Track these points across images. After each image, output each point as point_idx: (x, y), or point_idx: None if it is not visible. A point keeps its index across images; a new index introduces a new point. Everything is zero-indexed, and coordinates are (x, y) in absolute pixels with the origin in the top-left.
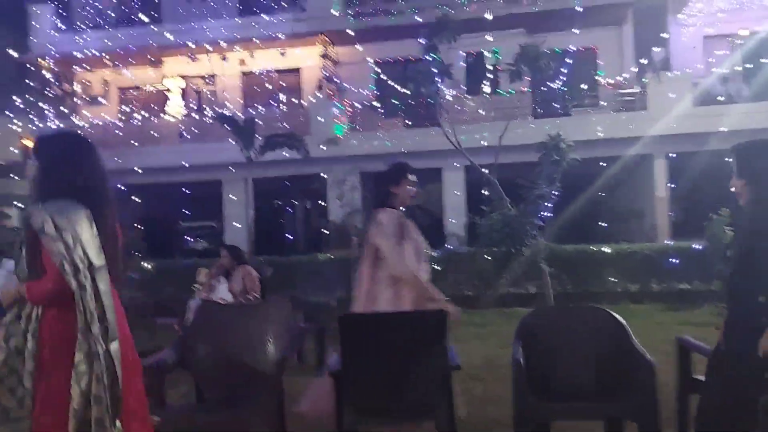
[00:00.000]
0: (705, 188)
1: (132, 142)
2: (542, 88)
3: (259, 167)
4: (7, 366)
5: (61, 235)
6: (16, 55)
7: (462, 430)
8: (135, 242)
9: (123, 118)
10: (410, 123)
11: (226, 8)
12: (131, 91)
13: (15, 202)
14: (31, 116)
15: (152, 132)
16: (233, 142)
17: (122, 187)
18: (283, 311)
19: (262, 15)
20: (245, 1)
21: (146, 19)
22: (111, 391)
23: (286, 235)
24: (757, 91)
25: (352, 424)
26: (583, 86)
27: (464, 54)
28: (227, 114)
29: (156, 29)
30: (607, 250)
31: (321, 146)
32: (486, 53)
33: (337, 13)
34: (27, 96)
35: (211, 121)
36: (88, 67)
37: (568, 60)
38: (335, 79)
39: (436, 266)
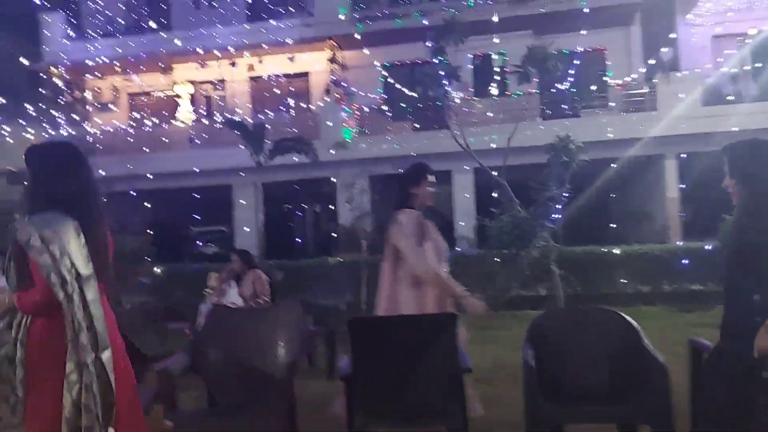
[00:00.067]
0: (716, 188)
1: (142, 148)
2: (551, 89)
3: (269, 172)
4: None
5: (48, 247)
6: (28, 63)
7: None
8: (146, 247)
9: (133, 124)
10: (418, 126)
11: (234, 14)
12: (141, 97)
13: None
14: (43, 124)
15: (162, 138)
16: (243, 147)
17: (133, 193)
18: (294, 315)
19: (270, 21)
20: (253, 7)
21: (156, 27)
22: (103, 399)
23: (296, 239)
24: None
25: (363, 426)
26: (592, 87)
27: (472, 56)
28: (236, 119)
29: (165, 36)
30: (617, 251)
31: (330, 150)
32: (493, 55)
33: (344, 18)
34: (39, 104)
35: (220, 126)
36: (99, 75)
37: (576, 61)
38: (343, 84)
39: None
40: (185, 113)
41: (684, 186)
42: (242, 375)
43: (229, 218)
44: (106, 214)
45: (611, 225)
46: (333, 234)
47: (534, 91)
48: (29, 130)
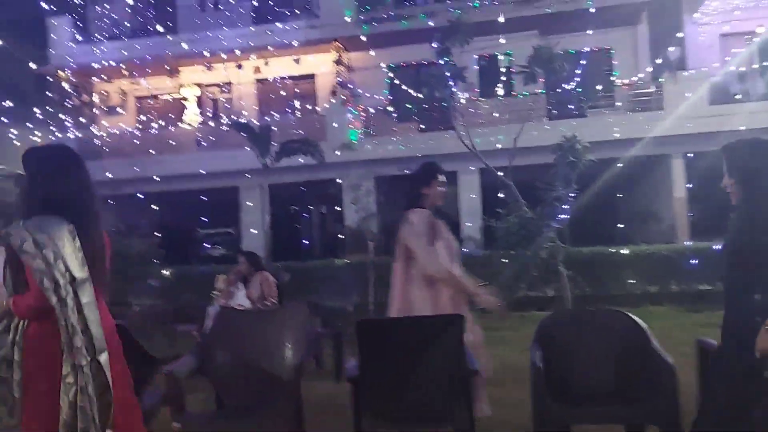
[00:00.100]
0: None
1: (150, 150)
2: (557, 89)
3: (275, 173)
4: None
5: (41, 251)
6: (35, 67)
7: None
8: (153, 250)
9: (141, 127)
10: (424, 127)
11: (240, 17)
12: (148, 100)
13: None
14: (51, 127)
15: (169, 140)
16: (249, 149)
17: (140, 196)
18: (301, 317)
19: (275, 23)
20: (259, 9)
21: (162, 30)
22: (100, 401)
23: (303, 240)
24: None
25: (370, 428)
26: (599, 87)
27: (477, 57)
28: (243, 121)
29: (172, 39)
30: (625, 251)
31: (336, 152)
32: (499, 56)
33: (350, 20)
34: (47, 107)
35: (227, 128)
36: (106, 78)
37: (582, 61)
38: (349, 85)
39: None
40: (192, 116)
41: (691, 185)
42: (250, 377)
43: (236, 220)
44: (103, 217)
45: (618, 225)
46: (339, 235)
47: (540, 91)
48: (37, 133)
